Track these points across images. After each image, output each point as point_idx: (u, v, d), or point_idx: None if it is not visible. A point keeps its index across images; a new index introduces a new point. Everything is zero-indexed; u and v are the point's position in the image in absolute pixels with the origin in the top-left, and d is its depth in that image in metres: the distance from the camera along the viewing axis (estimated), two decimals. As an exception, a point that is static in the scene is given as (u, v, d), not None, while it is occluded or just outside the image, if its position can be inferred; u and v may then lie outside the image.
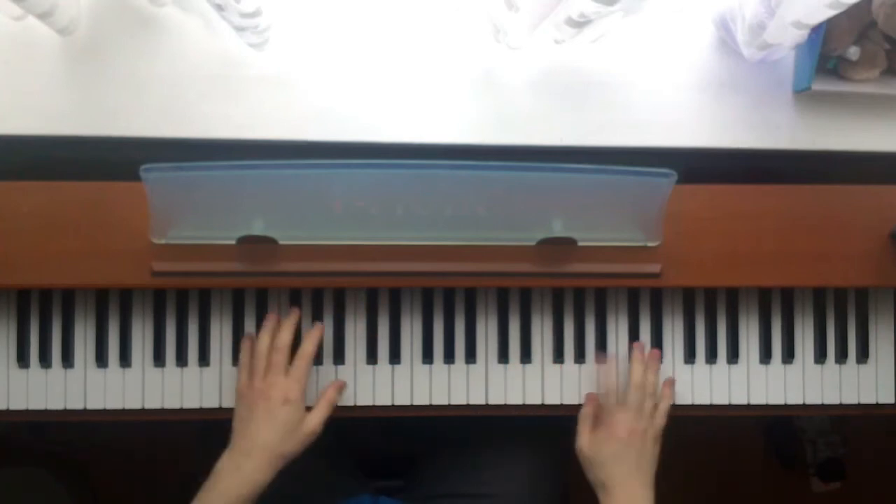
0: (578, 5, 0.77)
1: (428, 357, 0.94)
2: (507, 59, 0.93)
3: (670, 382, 0.93)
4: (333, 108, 0.92)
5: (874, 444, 1.68)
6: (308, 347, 0.89)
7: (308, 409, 0.88)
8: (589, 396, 0.91)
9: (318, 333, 0.90)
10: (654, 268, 0.88)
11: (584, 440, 0.88)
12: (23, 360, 0.92)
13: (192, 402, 0.93)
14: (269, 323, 0.90)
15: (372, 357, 0.93)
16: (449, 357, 0.94)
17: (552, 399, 0.94)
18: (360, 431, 0.93)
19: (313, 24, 0.92)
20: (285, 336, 0.89)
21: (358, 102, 0.92)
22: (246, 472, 0.83)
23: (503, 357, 0.94)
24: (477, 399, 0.94)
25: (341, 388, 0.90)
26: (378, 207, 0.82)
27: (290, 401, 0.86)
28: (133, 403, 0.92)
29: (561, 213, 0.84)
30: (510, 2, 0.80)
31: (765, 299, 0.96)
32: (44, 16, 0.83)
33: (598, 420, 0.89)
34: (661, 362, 0.93)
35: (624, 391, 0.90)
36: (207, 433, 1.03)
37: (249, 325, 0.93)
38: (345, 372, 0.93)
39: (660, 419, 0.89)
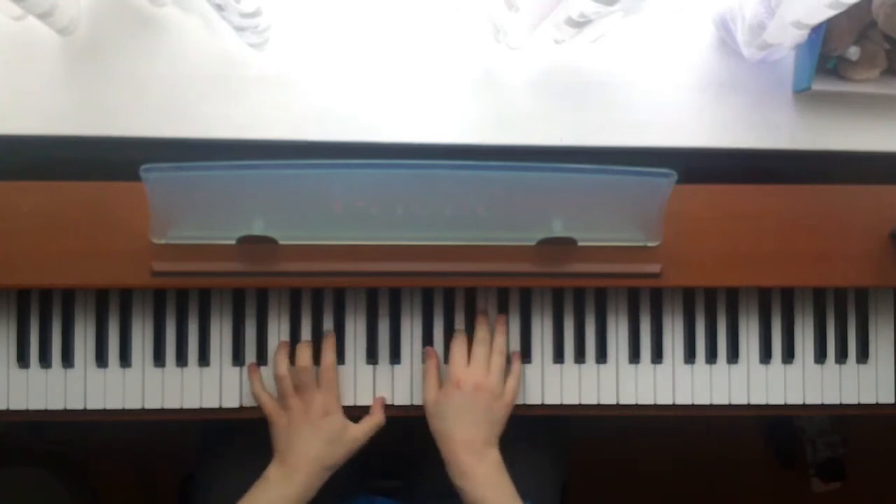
0: (578, 5, 0.77)
1: (428, 357, 0.94)
2: (507, 59, 0.93)
3: (517, 355, 0.93)
4: (333, 108, 0.92)
5: (874, 444, 1.68)
6: (329, 359, 0.90)
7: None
8: (428, 351, 0.92)
9: (332, 342, 0.92)
10: (654, 268, 0.88)
11: (432, 393, 0.89)
12: (23, 360, 0.92)
13: (192, 402, 0.93)
14: (281, 348, 0.91)
15: (372, 357, 0.93)
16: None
17: (552, 399, 0.94)
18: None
19: (313, 24, 0.92)
20: (306, 356, 0.90)
21: (358, 102, 0.92)
22: (295, 485, 0.85)
23: (503, 357, 0.94)
24: (477, 399, 0.94)
25: (383, 405, 0.92)
26: (378, 207, 0.82)
27: (331, 412, 0.87)
28: (133, 403, 0.92)
29: (561, 213, 0.84)
30: (510, 2, 0.80)
31: (765, 299, 0.96)
32: (44, 16, 0.83)
33: (447, 375, 0.89)
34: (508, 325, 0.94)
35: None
36: (207, 433, 1.03)
37: (249, 326, 0.93)
38: (345, 372, 0.93)
39: (512, 383, 0.90)
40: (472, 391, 0.87)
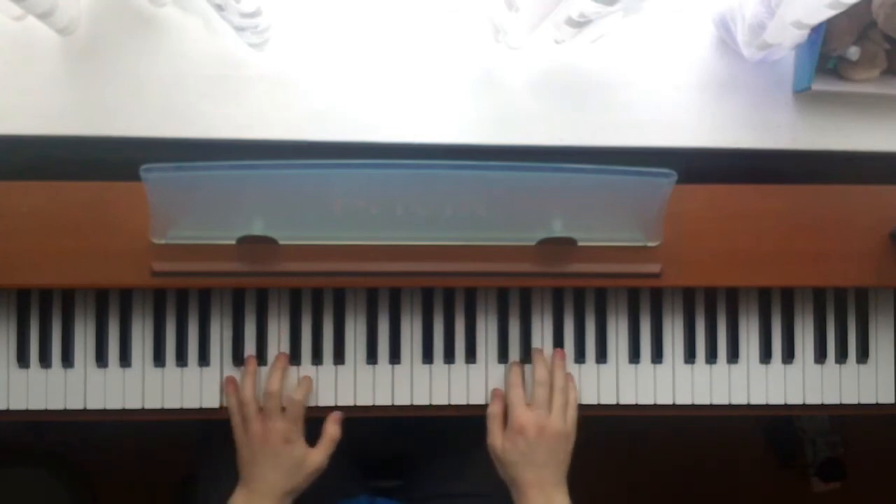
0: (578, 5, 0.77)
1: (428, 357, 0.94)
2: (507, 59, 0.93)
3: (570, 376, 0.93)
4: (333, 108, 0.92)
5: (874, 444, 1.68)
6: (299, 396, 0.89)
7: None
8: (495, 393, 0.91)
9: (307, 385, 0.91)
10: (654, 268, 0.88)
11: (497, 440, 0.88)
12: (23, 360, 0.92)
13: (192, 402, 0.93)
14: (249, 367, 0.90)
15: (372, 357, 0.93)
16: (449, 357, 0.94)
17: (552, 399, 0.94)
18: (360, 431, 0.93)
19: (313, 24, 0.92)
20: (275, 382, 0.89)
21: (358, 102, 0.92)
22: None
23: (503, 357, 0.94)
24: (477, 399, 0.94)
25: (339, 420, 0.91)
26: (378, 207, 0.82)
27: (291, 441, 0.87)
28: (133, 403, 0.92)
29: (561, 213, 0.84)
30: (510, 2, 0.80)
31: (765, 299, 0.96)
32: (44, 16, 0.83)
33: (508, 418, 0.88)
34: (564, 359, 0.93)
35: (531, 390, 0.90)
36: (207, 433, 1.03)
37: (249, 326, 0.93)
38: (345, 372, 0.93)
39: (571, 412, 0.89)
40: (536, 436, 0.86)
